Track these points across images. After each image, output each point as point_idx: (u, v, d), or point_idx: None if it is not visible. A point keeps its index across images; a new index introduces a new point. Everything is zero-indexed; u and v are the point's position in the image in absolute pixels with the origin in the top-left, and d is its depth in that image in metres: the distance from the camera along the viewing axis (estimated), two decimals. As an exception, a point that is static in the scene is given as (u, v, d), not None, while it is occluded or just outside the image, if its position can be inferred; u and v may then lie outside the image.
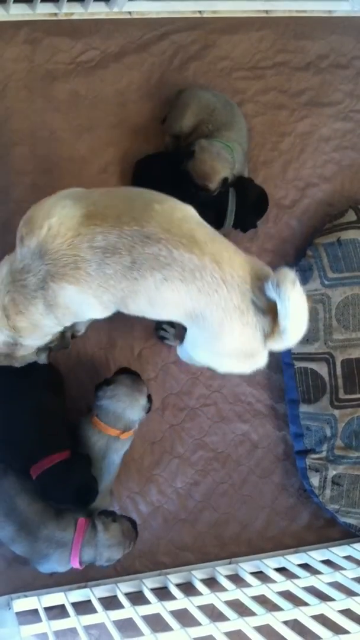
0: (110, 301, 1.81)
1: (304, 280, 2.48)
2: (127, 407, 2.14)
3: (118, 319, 2.39)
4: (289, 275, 1.67)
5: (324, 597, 2.11)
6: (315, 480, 2.45)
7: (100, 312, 1.86)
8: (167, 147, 2.47)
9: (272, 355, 2.55)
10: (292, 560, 2.44)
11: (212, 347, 1.92)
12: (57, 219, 1.71)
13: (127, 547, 2.12)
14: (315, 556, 2.46)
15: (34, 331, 1.89)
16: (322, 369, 2.46)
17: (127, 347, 2.44)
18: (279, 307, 1.68)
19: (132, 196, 1.85)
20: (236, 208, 2.37)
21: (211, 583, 2.30)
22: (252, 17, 2.71)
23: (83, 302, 1.80)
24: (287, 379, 2.51)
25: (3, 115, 2.36)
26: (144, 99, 2.51)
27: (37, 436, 2.07)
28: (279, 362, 2.57)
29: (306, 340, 2.46)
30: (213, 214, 2.38)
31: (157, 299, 1.76)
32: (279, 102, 2.69)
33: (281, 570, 2.38)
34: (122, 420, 2.14)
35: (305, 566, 2.41)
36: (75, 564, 2.06)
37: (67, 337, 2.07)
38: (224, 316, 1.75)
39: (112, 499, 2.34)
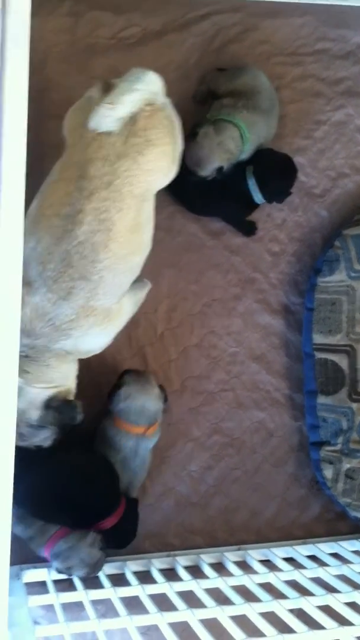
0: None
1: (331, 271, 2.46)
2: (145, 401, 2.15)
3: (142, 298, 2.43)
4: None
5: (330, 589, 2.11)
6: (328, 472, 2.44)
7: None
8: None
9: (293, 345, 2.58)
10: (300, 551, 2.44)
11: None
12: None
13: (85, 574, 2.06)
14: (323, 549, 2.46)
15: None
16: (342, 361, 2.45)
17: (150, 327, 2.44)
18: None
19: None
20: (258, 180, 2.35)
21: (219, 568, 2.30)
22: (295, 2, 2.67)
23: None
24: (307, 370, 2.50)
25: (42, 86, 2.34)
26: (181, 78, 2.48)
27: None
28: (300, 352, 2.56)
29: (328, 331, 2.45)
30: (240, 197, 2.39)
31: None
32: (316, 90, 2.66)
33: (289, 560, 2.37)
34: (144, 415, 2.15)
35: (312, 558, 2.40)
36: (47, 553, 2.07)
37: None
38: None
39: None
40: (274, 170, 2.40)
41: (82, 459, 2.17)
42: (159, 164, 1.82)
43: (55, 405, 1.89)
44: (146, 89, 1.70)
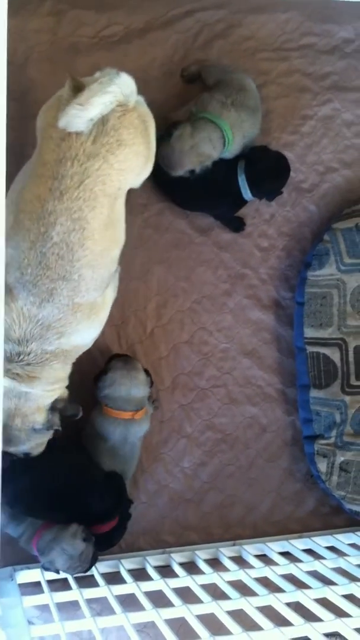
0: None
1: (321, 265, 2.46)
2: (130, 387, 2.15)
3: (132, 295, 2.42)
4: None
5: (327, 582, 2.11)
6: (322, 466, 2.44)
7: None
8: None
9: (284, 339, 2.58)
10: (296, 545, 2.44)
11: None
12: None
13: (72, 568, 2.03)
14: (319, 542, 2.46)
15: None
16: (334, 355, 2.45)
17: (139, 325, 2.43)
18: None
19: None
20: (249, 177, 2.34)
21: (214, 563, 2.30)
22: (279, -3, 2.68)
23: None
24: (299, 364, 2.50)
25: (25, 86, 2.34)
26: (166, 75, 2.48)
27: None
28: (291, 346, 2.56)
29: (319, 325, 2.45)
30: (232, 193, 2.38)
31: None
32: (302, 85, 2.66)
33: (285, 554, 2.37)
34: (130, 401, 2.16)
35: (309, 552, 2.40)
36: (34, 546, 2.04)
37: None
38: None
39: None
40: (268, 170, 2.39)
41: (84, 458, 2.17)
42: (131, 164, 1.81)
43: (61, 407, 1.92)
44: (118, 91, 1.67)
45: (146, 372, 2.24)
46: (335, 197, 2.67)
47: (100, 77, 1.68)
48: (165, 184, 2.43)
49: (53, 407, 1.90)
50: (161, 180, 2.43)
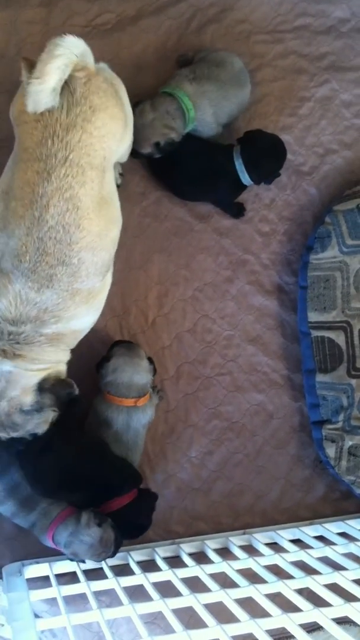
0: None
1: (323, 248, 2.43)
2: (132, 374, 2.13)
3: (132, 285, 2.40)
4: None
5: (338, 568, 2.08)
6: (331, 451, 2.41)
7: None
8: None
9: (289, 324, 2.55)
10: (307, 532, 2.41)
11: None
12: None
13: (97, 555, 2.01)
14: (330, 528, 2.43)
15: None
16: (339, 338, 2.41)
17: (141, 314, 2.41)
18: None
19: None
20: (246, 159, 2.31)
21: (224, 553, 2.27)
22: (272, -22, 2.64)
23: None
24: (304, 349, 2.47)
25: (17, 79, 2.29)
26: (160, 62, 2.46)
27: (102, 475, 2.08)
28: (296, 331, 2.53)
29: (323, 308, 2.42)
30: (229, 178, 2.36)
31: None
32: (298, 67, 2.63)
33: (296, 542, 2.34)
34: (132, 388, 2.14)
35: (320, 538, 2.38)
36: (49, 538, 2.03)
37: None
38: None
39: None
40: (264, 151, 2.36)
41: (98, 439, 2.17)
42: (110, 128, 1.78)
43: (49, 386, 1.85)
44: (67, 52, 1.63)
45: (149, 359, 2.22)
46: (335, 179, 2.63)
47: (47, 46, 1.65)
48: (161, 173, 2.41)
49: (41, 387, 1.84)
50: (157, 169, 2.41)
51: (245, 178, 2.34)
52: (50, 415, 1.90)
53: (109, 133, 1.78)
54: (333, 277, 2.43)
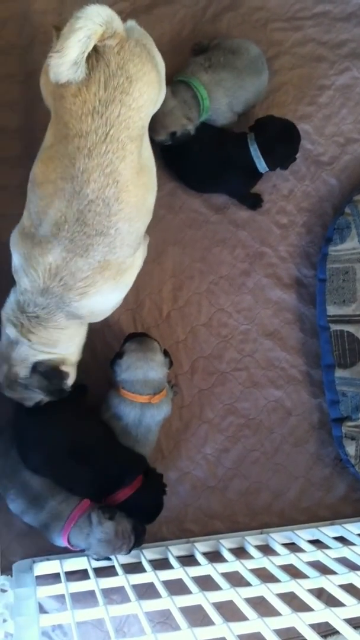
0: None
1: (342, 239, 2.36)
2: (147, 370, 2.07)
3: (146, 278, 2.35)
4: None
5: (357, 569, 2.00)
6: (351, 449, 2.33)
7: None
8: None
9: (308, 319, 2.48)
10: (326, 532, 2.33)
11: None
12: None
13: (118, 548, 1.98)
14: (351, 529, 2.34)
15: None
16: (359, 332, 2.34)
17: (155, 308, 2.37)
18: None
19: None
20: (261, 145, 2.25)
21: (239, 553, 2.20)
22: (290, -36, 2.58)
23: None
24: (323, 343, 2.40)
25: (30, 69, 2.30)
26: (175, 50, 2.42)
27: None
28: (315, 326, 2.46)
29: (342, 301, 2.34)
30: (243, 167, 2.30)
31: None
32: (317, 54, 2.56)
33: (314, 542, 2.27)
34: (148, 385, 2.08)
35: (340, 539, 2.29)
36: (65, 541, 1.99)
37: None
38: None
39: None
40: (278, 135, 2.30)
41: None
42: (148, 97, 1.74)
43: (42, 370, 1.87)
44: (88, 24, 1.60)
45: (164, 352, 2.15)
46: (356, 169, 2.56)
47: (70, 19, 1.62)
48: (174, 167, 2.37)
49: (34, 368, 1.87)
50: (171, 161, 2.36)
51: (261, 164, 2.28)
52: (36, 396, 1.93)
53: (147, 101, 1.74)
54: (352, 269, 2.35)
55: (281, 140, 2.30)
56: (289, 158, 2.34)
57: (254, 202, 2.45)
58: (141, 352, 2.10)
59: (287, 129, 2.31)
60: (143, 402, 2.08)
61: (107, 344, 2.30)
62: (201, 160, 2.31)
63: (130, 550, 2.02)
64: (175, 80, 2.26)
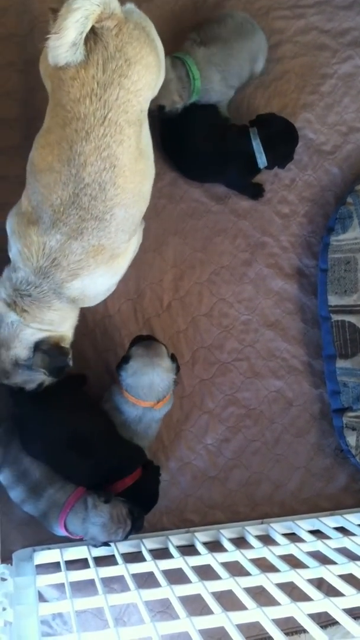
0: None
1: (344, 229, 2.34)
2: (153, 376, 2.02)
3: (147, 268, 2.35)
4: None
5: (355, 559, 2.00)
6: (352, 439, 2.33)
7: None
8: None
9: (309, 309, 2.47)
10: (327, 522, 2.33)
11: None
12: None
13: (114, 532, 1.96)
14: (352, 519, 2.34)
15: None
16: (360, 322, 2.33)
17: (155, 298, 2.36)
18: None
19: None
20: (263, 140, 2.24)
21: (240, 543, 2.21)
22: None
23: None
24: (324, 333, 2.39)
25: (31, 57, 2.29)
26: (177, 38, 2.39)
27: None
28: (316, 316, 2.45)
29: (344, 291, 2.33)
30: (243, 160, 2.29)
31: None
32: (320, 43, 2.54)
33: (315, 532, 2.27)
34: (153, 391, 2.04)
35: (340, 530, 2.29)
36: (62, 529, 1.98)
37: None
38: None
39: None
40: (281, 133, 2.30)
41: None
42: (146, 80, 1.72)
43: (45, 348, 1.85)
44: (85, 4, 1.58)
45: (172, 357, 2.10)
46: (359, 158, 2.55)
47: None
48: (173, 156, 2.36)
49: (37, 347, 1.85)
50: (170, 151, 2.35)
51: (262, 159, 2.27)
52: (40, 377, 1.91)
53: (146, 85, 1.73)
54: (354, 259, 2.34)
55: (283, 139, 2.30)
56: (288, 158, 2.35)
57: (255, 191, 2.44)
58: (148, 357, 2.04)
59: (288, 128, 2.32)
60: (146, 407, 2.07)
61: (107, 334, 2.30)
62: (202, 151, 2.30)
63: (127, 535, 2.00)
64: (172, 56, 2.24)
